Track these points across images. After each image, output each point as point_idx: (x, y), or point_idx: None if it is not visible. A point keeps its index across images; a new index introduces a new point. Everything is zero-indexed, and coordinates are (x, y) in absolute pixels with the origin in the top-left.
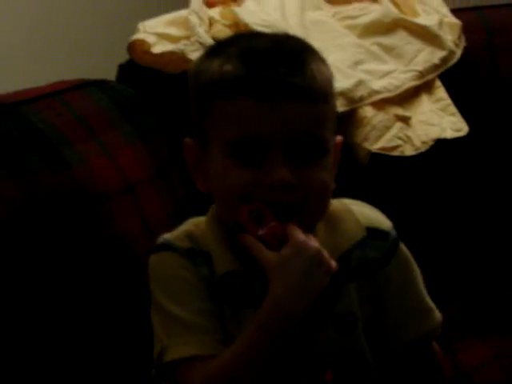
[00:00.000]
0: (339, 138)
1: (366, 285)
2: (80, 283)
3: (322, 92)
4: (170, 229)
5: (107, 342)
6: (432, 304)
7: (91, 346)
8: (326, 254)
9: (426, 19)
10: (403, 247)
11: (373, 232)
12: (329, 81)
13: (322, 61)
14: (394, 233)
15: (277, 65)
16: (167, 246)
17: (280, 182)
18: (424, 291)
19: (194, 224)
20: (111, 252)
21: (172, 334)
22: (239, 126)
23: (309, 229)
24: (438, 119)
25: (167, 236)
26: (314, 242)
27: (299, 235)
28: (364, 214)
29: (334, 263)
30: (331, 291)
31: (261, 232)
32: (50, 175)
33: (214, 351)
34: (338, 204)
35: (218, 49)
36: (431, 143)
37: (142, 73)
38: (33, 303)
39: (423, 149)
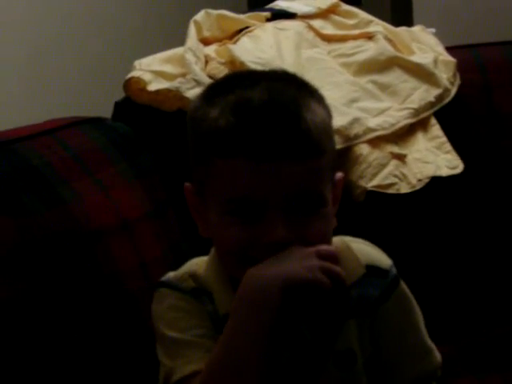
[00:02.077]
0: (340, 174)
1: (366, 322)
2: (76, 320)
3: (317, 146)
4: (165, 268)
5: (106, 380)
6: (432, 344)
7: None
8: None
9: (421, 57)
10: (404, 285)
11: (372, 270)
12: (325, 127)
13: (319, 102)
14: (394, 270)
15: (271, 123)
16: (170, 285)
17: (278, 241)
18: (424, 331)
19: (197, 264)
20: (107, 289)
21: (176, 356)
22: (235, 186)
23: None
24: (434, 157)
25: (171, 275)
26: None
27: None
28: (363, 251)
29: None
30: (332, 328)
31: None
32: (45, 213)
33: None
34: (338, 241)
35: (214, 95)
36: (427, 181)
37: (138, 110)
38: (29, 342)
39: (419, 186)
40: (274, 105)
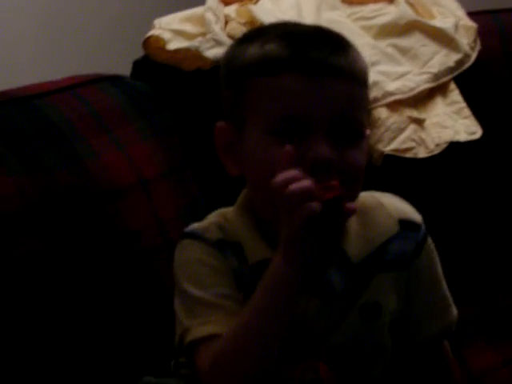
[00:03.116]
0: (369, 131)
1: (404, 276)
2: (91, 277)
3: (362, 76)
4: (182, 227)
5: (119, 336)
6: (451, 299)
7: (102, 340)
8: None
9: (441, 22)
10: (430, 241)
11: (406, 224)
12: (367, 69)
13: (360, 53)
14: (423, 225)
15: (322, 45)
16: (195, 235)
17: (323, 159)
18: (446, 286)
19: (222, 215)
20: (122, 247)
21: (193, 316)
22: (283, 102)
23: None
24: (452, 122)
25: (196, 225)
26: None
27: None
28: (396, 206)
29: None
30: (359, 281)
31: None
32: (63, 169)
33: None
34: (369, 197)
35: (252, 35)
36: (445, 146)
37: (157, 69)
38: (45, 295)
39: (436, 151)
40: (324, 34)
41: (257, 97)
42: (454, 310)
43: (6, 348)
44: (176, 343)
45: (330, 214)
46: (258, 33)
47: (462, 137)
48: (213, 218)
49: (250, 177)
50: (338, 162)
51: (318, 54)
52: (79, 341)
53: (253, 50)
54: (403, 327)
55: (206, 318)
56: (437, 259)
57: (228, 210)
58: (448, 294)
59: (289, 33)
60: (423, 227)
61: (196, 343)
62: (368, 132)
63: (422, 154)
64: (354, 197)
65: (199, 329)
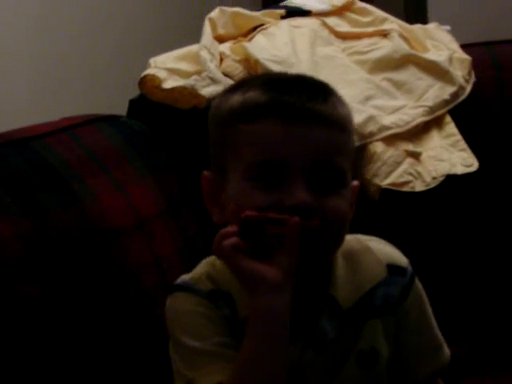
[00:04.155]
0: (356, 182)
1: (391, 321)
2: (91, 318)
3: (343, 122)
4: (181, 264)
5: (118, 378)
6: (442, 338)
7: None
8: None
9: (436, 55)
10: (418, 282)
11: (393, 269)
12: (349, 116)
13: (342, 100)
14: (410, 268)
15: (300, 90)
16: (186, 288)
17: (301, 204)
18: (436, 326)
19: (210, 264)
20: (122, 287)
21: (195, 367)
22: (261, 147)
23: (327, 262)
24: (448, 155)
25: (186, 277)
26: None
27: None
28: (382, 251)
29: None
30: (351, 327)
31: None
32: (61, 211)
33: None
34: (355, 241)
35: (238, 84)
36: (441, 179)
37: (153, 108)
38: (45, 340)
39: (433, 184)
40: (304, 81)
41: (237, 143)
42: (447, 350)
43: None
44: None
45: (252, 235)
46: (244, 82)
47: (459, 169)
48: (202, 268)
49: (232, 223)
50: (318, 209)
51: (294, 99)
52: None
53: (235, 98)
54: (396, 370)
55: (210, 367)
56: (425, 300)
57: (214, 259)
58: (439, 334)
59: (270, 80)
60: (409, 270)
61: None
62: (356, 183)
63: (419, 187)
64: (338, 243)
65: (204, 379)
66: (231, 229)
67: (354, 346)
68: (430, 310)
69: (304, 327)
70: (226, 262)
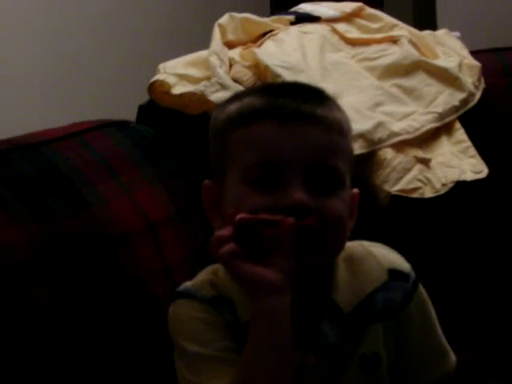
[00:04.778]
0: (356, 190)
1: (392, 326)
2: (100, 324)
3: (338, 124)
4: (190, 271)
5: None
6: (448, 346)
7: None
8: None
9: (445, 61)
10: (421, 288)
11: (394, 273)
12: (345, 120)
13: (339, 105)
14: (413, 274)
15: (296, 94)
16: (188, 295)
17: (298, 205)
18: (441, 333)
19: (212, 272)
20: (131, 293)
21: (199, 372)
22: (257, 149)
23: (328, 266)
24: (458, 161)
25: (188, 284)
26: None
27: None
28: (384, 256)
29: None
30: (352, 331)
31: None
32: (70, 216)
33: None
34: (358, 246)
35: (235, 95)
36: (451, 185)
37: (162, 114)
38: (54, 345)
39: (443, 191)
40: (301, 86)
41: (234, 148)
42: (452, 357)
43: None
44: None
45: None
46: (240, 93)
47: (468, 176)
48: (204, 275)
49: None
50: (315, 208)
51: (290, 101)
52: None
53: (232, 107)
54: (400, 376)
55: (214, 372)
56: (430, 307)
57: (218, 267)
58: (444, 341)
59: (267, 87)
60: (412, 276)
61: None
62: (356, 191)
63: (428, 193)
64: (338, 246)
65: (211, 383)
66: (226, 232)
67: (356, 350)
68: (434, 316)
69: (305, 332)
70: (225, 267)
